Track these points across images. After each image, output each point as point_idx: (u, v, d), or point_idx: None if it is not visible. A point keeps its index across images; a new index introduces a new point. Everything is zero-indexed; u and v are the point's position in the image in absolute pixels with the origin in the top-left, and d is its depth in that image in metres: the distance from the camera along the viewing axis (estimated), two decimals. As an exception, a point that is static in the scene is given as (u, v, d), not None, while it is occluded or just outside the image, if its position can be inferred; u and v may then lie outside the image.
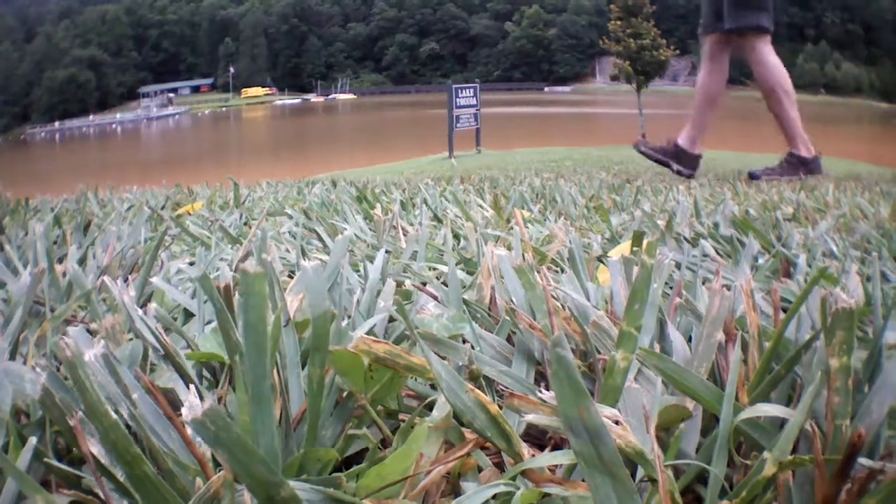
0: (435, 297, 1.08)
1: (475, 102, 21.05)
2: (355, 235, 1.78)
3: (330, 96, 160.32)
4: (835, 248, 1.57)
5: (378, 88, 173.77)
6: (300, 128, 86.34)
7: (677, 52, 29.51)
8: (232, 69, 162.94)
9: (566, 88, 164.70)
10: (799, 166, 6.66)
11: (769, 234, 1.79)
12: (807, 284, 0.61)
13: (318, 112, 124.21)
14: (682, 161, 6.97)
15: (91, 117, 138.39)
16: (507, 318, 0.93)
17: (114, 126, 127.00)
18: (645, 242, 0.89)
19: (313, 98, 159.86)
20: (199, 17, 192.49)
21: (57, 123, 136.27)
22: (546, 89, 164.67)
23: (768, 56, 6.60)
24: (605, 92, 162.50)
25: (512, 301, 0.98)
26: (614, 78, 29.05)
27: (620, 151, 13.69)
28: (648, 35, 27.99)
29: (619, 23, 28.51)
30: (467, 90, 20.94)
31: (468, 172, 11.18)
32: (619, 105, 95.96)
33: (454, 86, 20.32)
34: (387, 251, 1.34)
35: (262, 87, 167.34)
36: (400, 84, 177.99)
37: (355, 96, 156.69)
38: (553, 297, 0.64)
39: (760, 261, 1.45)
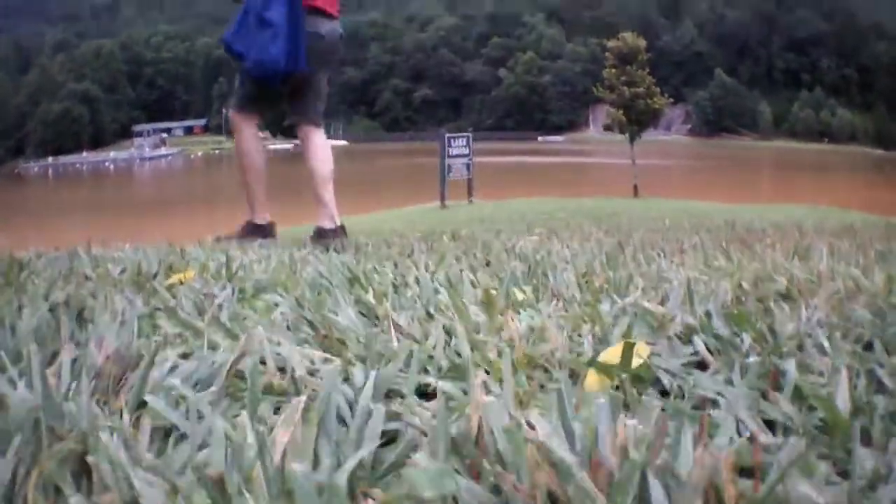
0: (423, 433, 0.98)
1: (468, 152, 21.09)
2: (349, 329, 1.77)
3: None
4: (826, 344, 1.58)
5: (371, 134, 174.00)
6: (293, 173, 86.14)
7: (671, 100, 29.52)
8: (225, 111, 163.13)
9: (560, 138, 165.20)
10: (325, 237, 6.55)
11: (760, 325, 1.78)
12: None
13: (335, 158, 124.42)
14: (257, 233, 6.74)
15: (84, 154, 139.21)
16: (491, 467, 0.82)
17: (107, 164, 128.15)
18: (634, 357, 1.12)
19: None
20: (193, 56, 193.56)
21: (51, 159, 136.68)
22: (540, 138, 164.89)
23: (317, 141, 6.96)
24: (598, 142, 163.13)
25: (497, 450, 0.84)
26: (607, 128, 29.18)
27: (613, 203, 13.67)
28: (643, 83, 28.05)
29: (613, 70, 28.57)
30: (460, 139, 20.97)
31: (459, 226, 11.16)
32: (612, 155, 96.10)
33: (447, 135, 20.37)
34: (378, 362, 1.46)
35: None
36: (393, 130, 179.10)
37: (348, 143, 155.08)
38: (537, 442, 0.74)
39: (752, 358, 1.47)
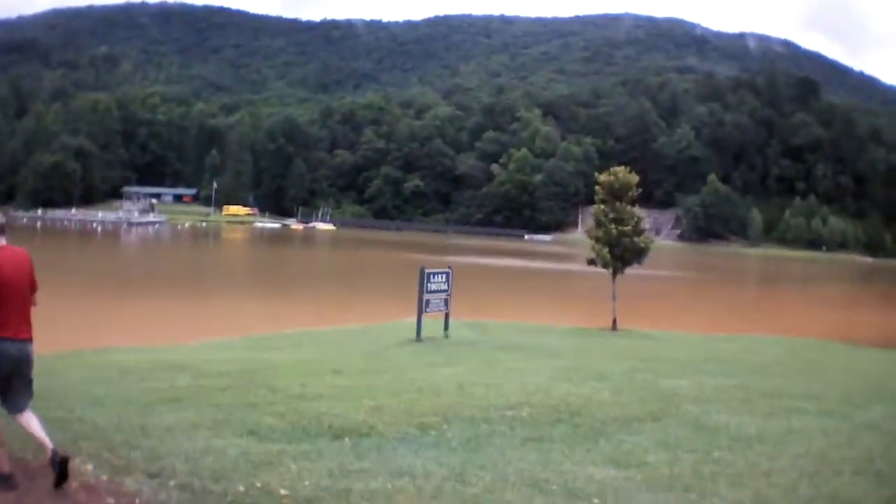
0: None
1: (446, 287, 20.99)
2: None
3: (310, 225, 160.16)
4: None
5: (358, 221, 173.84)
6: (275, 261, 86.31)
7: (653, 241, 29.51)
8: (215, 183, 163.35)
9: (546, 237, 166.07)
10: None
11: None
12: None
13: (295, 242, 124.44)
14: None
15: (73, 211, 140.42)
16: None
17: (94, 225, 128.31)
18: None
19: (293, 224, 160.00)
20: (188, 123, 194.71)
21: (40, 211, 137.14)
22: (526, 237, 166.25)
23: None
24: (584, 245, 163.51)
25: None
26: (591, 262, 28.96)
27: (583, 377, 13.35)
28: (631, 221, 28.01)
29: (602, 206, 28.53)
30: (440, 275, 20.89)
31: (425, 393, 10.97)
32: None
33: (427, 270, 20.26)
34: None
35: (245, 205, 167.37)
36: (381, 217, 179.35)
37: (335, 227, 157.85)
38: None
39: None
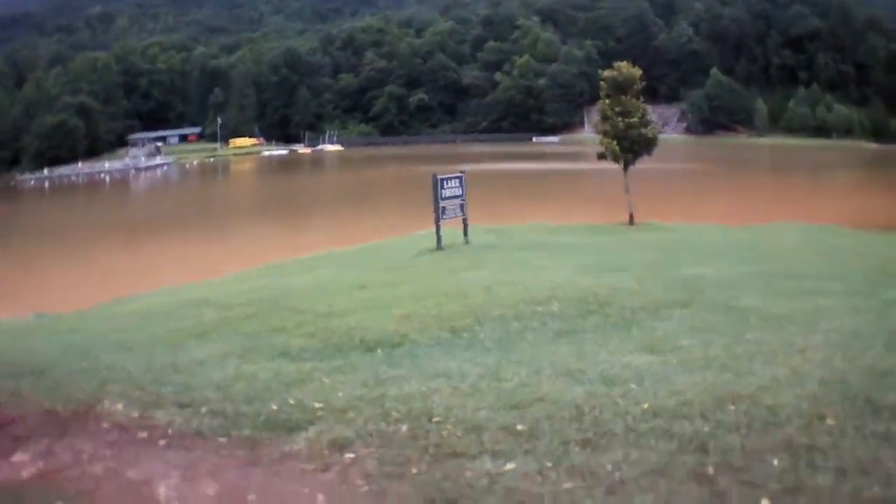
0: None
1: (461, 192, 20.75)
2: None
3: (317, 147, 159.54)
4: None
5: (365, 139, 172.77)
6: (285, 187, 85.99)
7: (661, 131, 29.11)
8: (220, 119, 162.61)
9: (554, 139, 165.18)
10: None
11: None
12: None
13: (304, 166, 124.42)
14: None
15: (80, 165, 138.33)
16: None
17: (102, 176, 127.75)
18: None
19: (300, 149, 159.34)
20: (189, 67, 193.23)
21: (46, 170, 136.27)
22: (534, 139, 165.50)
23: None
24: (592, 142, 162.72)
25: None
26: (601, 156, 28.71)
27: (607, 269, 13.24)
28: (637, 113, 27.74)
29: (607, 100, 28.27)
30: (453, 181, 20.62)
31: (452, 297, 10.89)
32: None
33: (439, 177, 20.02)
34: None
35: (251, 137, 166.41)
36: (388, 135, 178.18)
37: (342, 147, 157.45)
38: None
39: None
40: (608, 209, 34.11)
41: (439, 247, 20.02)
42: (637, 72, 28.67)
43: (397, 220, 37.05)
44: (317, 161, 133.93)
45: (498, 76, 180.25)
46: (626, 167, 28.17)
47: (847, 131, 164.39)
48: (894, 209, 48.08)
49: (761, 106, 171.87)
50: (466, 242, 20.91)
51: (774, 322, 9.00)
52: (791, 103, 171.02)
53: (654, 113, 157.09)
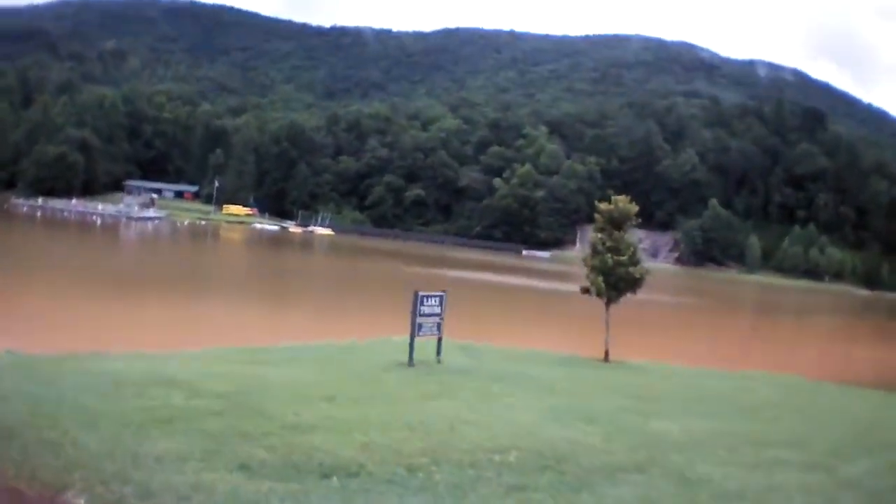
0: None
1: (439, 311, 20.98)
2: None
3: (308, 228, 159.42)
4: None
5: (357, 227, 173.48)
6: (273, 267, 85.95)
7: (647, 271, 29.16)
8: (217, 182, 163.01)
9: (545, 254, 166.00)
10: None
11: None
12: None
13: (293, 247, 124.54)
14: None
15: (74, 202, 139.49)
16: None
17: (94, 217, 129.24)
18: None
19: (291, 228, 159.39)
20: (193, 122, 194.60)
21: (41, 200, 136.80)
22: (524, 252, 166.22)
23: None
24: (581, 264, 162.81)
25: None
26: (585, 290, 28.84)
27: (573, 417, 13.41)
28: (627, 251, 27.93)
29: (599, 235, 28.53)
30: (433, 299, 20.82)
31: (416, 431, 11.07)
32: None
33: (420, 294, 20.23)
34: None
35: (245, 206, 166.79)
36: (381, 225, 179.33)
37: (333, 232, 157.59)
38: None
39: None
40: (586, 338, 34.03)
41: (411, 363, 20.12)
42: (633, 208, 28.77)
43: (377, 319, 37.24)
44: (306, 243, 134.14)
45: (497, 182, 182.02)
46: (608, 304, 28.21)
47: (838, 275, 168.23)
48: (882, 360, 48.98)
49: (754, 242, 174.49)
50: (438, 361, 21.03)
51: (724, 500, 9.22)
52: (785, 242, 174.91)
53: (646, 239, 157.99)
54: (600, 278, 27.61)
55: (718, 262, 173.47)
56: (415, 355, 20.35)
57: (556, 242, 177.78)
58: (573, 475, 9.68)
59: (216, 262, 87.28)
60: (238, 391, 13.54)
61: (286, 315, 42.81)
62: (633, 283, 28.38)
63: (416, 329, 20.35)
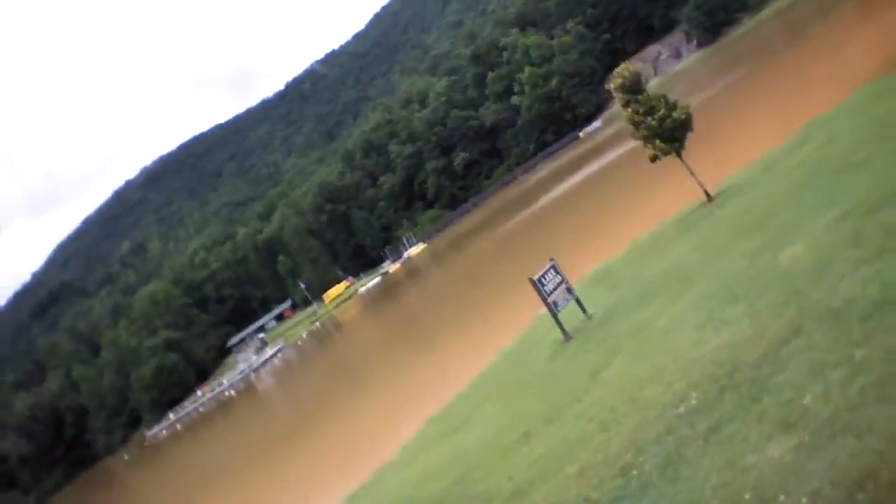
0: None
1: (560, 279, 21.40)
2: None
3: (404, 257, 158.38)
4: None
5: (440, 223, 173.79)
6: (399, 314, 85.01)
7: (689, 109, 28.75)
8: (301, 283, 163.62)
9: (597, 124, 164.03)
10: None
11: None
12: None
13: (403, 283, 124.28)
14: None
15: (199, 393, 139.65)
16: None
17: (227, 393, 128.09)
18: None
19: (390, 268, 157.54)
20: (241, 251, 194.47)
21: (171, 415, 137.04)
22: (581, 133, 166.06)
23: None
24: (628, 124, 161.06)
25: None
26: (653, 159, 28.70)
27: (725, 314, 13.55)
28: (660, 104, 27.83)
29: (629, 109, 28.43)
30: (548, 273, 21.15)
31: (610, 429, 11.49)
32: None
33: (534, 278, 20.58)
34: None
35: (339, 282, 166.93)
36: (454, 207, 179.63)
37: (425, 244, 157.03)
38: None
39: None
40: (672, 189, 33.73)
41: (566, 338, 20.73)
42: (636, 67, 29.05)
43: (514, 306, 36.78)
44: (412, 271, 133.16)
45: (515, 100, 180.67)
46: (679, 154, 28.10)
47: None
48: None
49: None
50: (589, 317, 21.55)
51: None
52: None
53: (664, 51, 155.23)
54: (657, 142, 27.64)
55: (732, 23, 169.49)
56: (567, 328, 21.01)
57: (599, 107, 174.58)
58: (750, 384, 10.16)
59: (352, 351, 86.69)
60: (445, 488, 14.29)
61: (440, 355, 42.71)
62: (686, 124, 28.17)
63: (554, 309, 20.92)
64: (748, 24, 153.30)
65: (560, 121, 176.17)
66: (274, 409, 77.78)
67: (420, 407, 30.96)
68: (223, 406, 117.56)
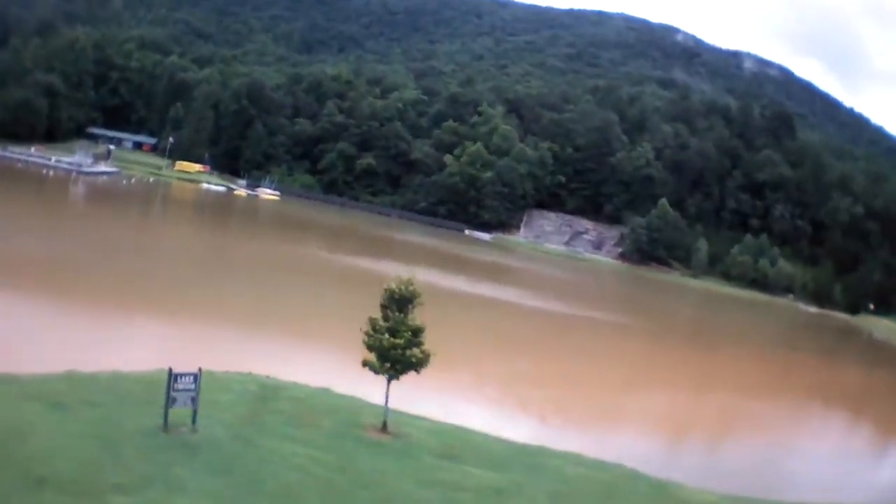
0: None
1: (193, 388, 22.11)
2: None
3: (254, 191, 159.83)
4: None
5: (305, 192, 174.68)
6: (212, 244, 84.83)
7: (430, 356, 28.72)
8: (171, 139, 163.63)
9: (486, 236, 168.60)
10: None
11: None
12: None
13: (233, 216, 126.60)
14: None
15: (33, 150, 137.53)
16: None
17: (46, 171, 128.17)
18: None
19: (237, 189, 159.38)
20: (160, 71, 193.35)
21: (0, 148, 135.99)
22: (467, 232, 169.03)
23: None
24: (523, 248, 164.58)
25: None
26: (365, 365, 28.40)
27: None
28: (406, 334, 27.24)
29: (380, 315, 28.98)
30: (187, 377, 22.05)
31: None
32: (533, 261, 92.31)
33: (172, 371, 21.28)
34: None
35: (199, 162, 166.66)
36: (330, 191, 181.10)
37: (279, 196, 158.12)
38: None
39: None
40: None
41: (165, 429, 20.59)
42: (418, 293, 29.02)
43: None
44: (248, 210, 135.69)
45: (447, 158, 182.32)
46: (389, 381, 28.03)
47: (787, 289, 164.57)
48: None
49: (702, 246, 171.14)
50: (194, 430, 21.78)
51: None
52: (735, 249, 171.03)
53: (593, 230, 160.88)
54: (373, 355, 27.44)
55: (662, 262, 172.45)
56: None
57: (500, 225, 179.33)
58: None
59: (154, 233, 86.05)
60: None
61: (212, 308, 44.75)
62: (413, 366, 27.76)
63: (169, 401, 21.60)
64: (674, 277, 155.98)
65: (463, 207, 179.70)
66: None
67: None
68: (30, 178, 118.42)
